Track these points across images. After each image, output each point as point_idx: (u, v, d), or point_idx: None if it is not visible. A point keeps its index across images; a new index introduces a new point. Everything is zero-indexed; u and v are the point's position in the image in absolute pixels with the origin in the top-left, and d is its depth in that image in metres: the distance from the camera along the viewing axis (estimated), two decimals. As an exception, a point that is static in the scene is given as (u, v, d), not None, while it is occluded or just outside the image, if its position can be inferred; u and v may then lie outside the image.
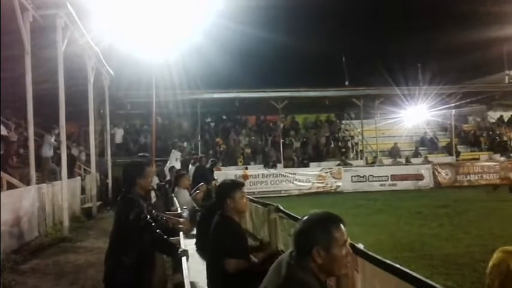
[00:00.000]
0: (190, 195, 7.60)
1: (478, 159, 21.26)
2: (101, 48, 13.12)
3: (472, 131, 24.52)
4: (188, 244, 5.17)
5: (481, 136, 23.91)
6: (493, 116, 25.88)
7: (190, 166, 15.52)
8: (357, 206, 13.48)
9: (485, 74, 30.94)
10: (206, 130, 22.20)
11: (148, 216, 3.52)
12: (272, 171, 18.93)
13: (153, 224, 3.54)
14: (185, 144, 19.28)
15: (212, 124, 22.95)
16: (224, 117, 23.37)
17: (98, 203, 13.64)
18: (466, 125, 25.44)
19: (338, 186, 18.64)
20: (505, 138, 23.93)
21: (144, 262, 3.58)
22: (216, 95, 20.41)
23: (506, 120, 25.51)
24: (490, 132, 24.34)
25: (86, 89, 12.90)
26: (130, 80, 18.30)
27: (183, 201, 6.77)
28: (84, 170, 16.06)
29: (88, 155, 15.40)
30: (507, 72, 30.63)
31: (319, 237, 1.93)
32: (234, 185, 3.67)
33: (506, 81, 28.78)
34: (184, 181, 7.57)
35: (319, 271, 1.95)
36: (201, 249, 4.83)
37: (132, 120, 22.39)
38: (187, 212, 6.08)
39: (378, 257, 2.48)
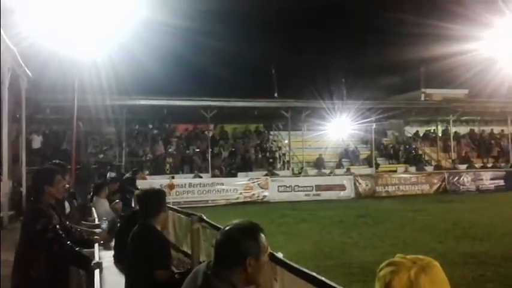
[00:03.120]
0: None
1: (395, 171, 22.49)
2: (19, 48, 12.30)
3: (391, 145, 25.97)
4: (106, 256, 4.94)
5: (398, 149, 25.39)
6: (410, 130, 27.63)
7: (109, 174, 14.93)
8: (282, 216, 13.67)
9: (404, 91, 33.16)
10: (132, 137, 21.55)
11: (58, 227, 3.29)
12: (199, 180, 18.74)
13: (63, 235, 3.31)
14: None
15: (139, 131, 22.32)
16: (150, 125, 22.82)
17: (10, 213, 12.67)
18: (385, 139, 26.90)
19: (265, 196, 18.81)
20: (419, 152, 25.58)
21: (55, 276, 3.35)
22: (143, 102, 19.88)
23: (421, 135, 27.34)
24: (407, 146, 25.92)
25: (0, 90, 12.01)
26: (53, 83, 17.31)
27: (101, 211, 6.47)
28: (-4, 177, 14.87)
29: (0, 162, 14.29)
30: (423, 90, 33.03)
31: (251, 247, 1.95)
32: (164, 196, 3.61)
33: (422, 98, 30.97)
34: (104, 191, 7.25)
35: (244, 281, 1.95)
36: (119, 261, 4.63)
37: (51, 125, 21.19)
38: (107, 222, 5.82)
39: (296, 266, 2.51)
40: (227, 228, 2.02)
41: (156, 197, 3.55)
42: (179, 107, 20.55)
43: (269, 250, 2.08)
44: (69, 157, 15.44)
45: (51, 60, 15.22)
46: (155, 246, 3.29)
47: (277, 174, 20.50)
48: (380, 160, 24.06)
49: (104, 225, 5.25)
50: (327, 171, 21.69)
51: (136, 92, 20.67)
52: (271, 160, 22.36)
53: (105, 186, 7.57)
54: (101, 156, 19.58)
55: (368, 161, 23.40)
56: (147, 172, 18.52)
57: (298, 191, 19.25)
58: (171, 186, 17.13)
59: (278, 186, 19.15)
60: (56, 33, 13.83)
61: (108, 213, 6.55)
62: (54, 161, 5.35)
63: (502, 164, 24.05)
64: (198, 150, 21.70)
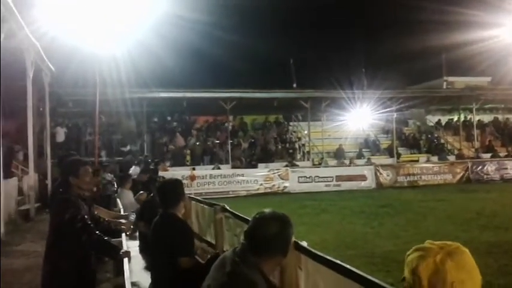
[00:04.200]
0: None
1: (417, 161, 22.20)
2: (42, 43, 12.53)
3: (412, 134, 25.62)
4: (132, 246, 5.05)
5: (420, 139, 25.03)
6: (432, 119, 27.19)
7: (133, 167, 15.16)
8: (303, 206, 13.70)
9: (425, 79, 32.62)
10: (153, 130, 21.77)
11: (87, 217, 3.37)
12: (220, 172, 18.86)
13: (92, 225, 3.38)
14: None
15: (159, 124, 22.54)
16: (169, 118, 22.99)
17: (36, 205, 13.01)
18: (407, 128, 26.53)
19: (285, 187, 18.83)
20: (442, 141, 25.19)
21: (84, 265, 3.44)
22: (163, 94, 20.05)
23: (443, 124, 26.89)
24: (429, 135, 25.54)
25: (24, 84, 12.28)
26: (74, 76, 17.62)
27: (126, 202, 6.59)
28: (22, 170, 15.26)
29: (26, 155, 14.65)
30: (445, 78, 32.43)
31: (290, 234, 2.07)
32: (182, 185, 3.68)
33: (444, 86, 30.44)
34: (128, 182, 7.38)
35: (274, 267, 2.07)
36: (144, 250, 4.73)
37: (74, 119, 21.56)
38: (134, 214, 5.92)
39: (320, 254, 2.52)
40: (261, 217, 2.05)
41: (174, 187, 3.61)
42: (199, 98, 20.67)
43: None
44: (92, 150, 15.74)
45: (72, 55, 15.46)
46: (178, 233, 3.34)
47: (297, 165, 20.47)
48: (401, 150, 23.77)
49: (132, 216, 5.33)
50: (347, 161, 21.54)
51: (155, 85, 20.89)
52: (291, 151, 22.32)
53: (129, 178, 7.70)
54: (128, 148, 19.84)
55: (389, 151, 23.14)
56: (169, 164, 18.71)
57: (319, 181, 19.20)
58: (192, 178, 17.31)
59: (298, 177, 19.14)
60: (76, 28, 14.00)
61: (132, 204, 6.67)
62: (69, 153, 5.40)
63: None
64: (218, 141, 21.80)
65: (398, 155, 22.71)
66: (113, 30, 14.83)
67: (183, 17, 19.50)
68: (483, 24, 21.76)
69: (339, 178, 19.39)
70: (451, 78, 32.72)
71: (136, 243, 5.04)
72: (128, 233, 4.60)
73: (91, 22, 14.17)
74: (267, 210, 2.10)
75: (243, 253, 1.98)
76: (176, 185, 3.65)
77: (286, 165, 20.02)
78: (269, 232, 1.99)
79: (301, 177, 19.19)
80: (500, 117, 27.66)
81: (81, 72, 16.92)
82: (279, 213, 2.09)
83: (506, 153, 23.49)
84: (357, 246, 7.89)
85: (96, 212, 3.83)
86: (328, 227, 10.02)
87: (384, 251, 7.31)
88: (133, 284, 3.83)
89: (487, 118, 27.23)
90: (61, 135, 19.47)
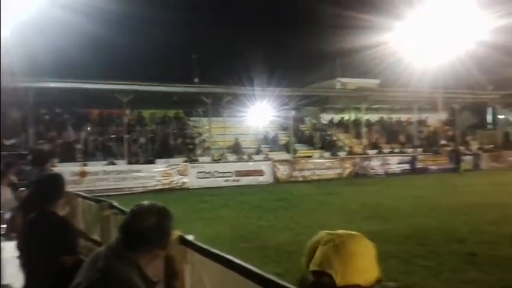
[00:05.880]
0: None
1: (311, 156, 23.29)
2: None
3: (308, 131, 26.81)
4: (7, 246, 4.61)
5: (314, 136, 26.29)
6: (326, 118, 28.69)
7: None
8: (202, 202, 13.70)
9: (321, 79, 34.40)
10: (40, 122, 20.16)
11: None
12: (115, 167, 18.05)
13: None
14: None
15: (48, 116, 20.93)
16: (58, 110, 21.46)
17: None
18: (303, 125, 27.69)
19: (184, 183, 18.59)
20: (334, 138, 26.70)
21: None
22: (52, 84, 18.60)
23: (336, 122, 28.53)
24: (322, 133, 26.92)
25: None
26: None
27: (2, 200, 5.98)
28: None
29: None
30: (339, 79, 34.49)
31: (170, 227, 2.00)
32: (63, 181, 3.45)
33: (338, 87, 32.33)
34: (6, 178, 6.70)
35: (152, 261, 1.95)
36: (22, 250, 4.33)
37: None
38: (10, 213, 5.41)
39: (204, 247, 2.49)
40: (138, 209, 1.99)
41: (53, 183, 3.40)
42: (92, 90, 19.56)
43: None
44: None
45: None
46: (58, 231, 3.15)
47: (197, 160, 20.35)
48: (298, 146, 24.70)
49: (7, 215, 4.86)
50: (246, 157, 21.89)
51: (45, 73, 19.29)
52: (191, 146, 22.11)
53: (6, 172, 6.98)
54: (11, 142, 18.10)
55: (286, 147, 23.96)
56: (57, 160, 17.41)
57: (218, 177, 19.28)
58: (83, 174, 16.36)
59: (197, 173, 19.04)
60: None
61: (10, 202, 6.07)
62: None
63: (409, 150, 25.82)
64: (113, 136, 20.86)
65: (295, 151, 23.61)
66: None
67: (79, 1, 18.27)
68: (375, 29, 23.51)
69: (238, 173, 19.65)
70: (344, 80, 34.81)
71: (12, 244, 4.60)
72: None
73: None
74: (145, 202, 2.03)
75: (118, 247, 1.88)
76: (55, 181, 3.41)
77: (186, 161, 19.80)
78: (144, 225, 1.91)
79: (201, 172, 19.12)
80: (385, 116, 30.03)
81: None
82: (157, 206, 2.02)
83: (390, 150, 25.60)
84: (251, 239, 8.05)
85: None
86: (225, 222, 10.11)
87: (276, 243, 7.55)
88: (5, 286, 3.52)
89: (374, 117, 29.40)
90: None
